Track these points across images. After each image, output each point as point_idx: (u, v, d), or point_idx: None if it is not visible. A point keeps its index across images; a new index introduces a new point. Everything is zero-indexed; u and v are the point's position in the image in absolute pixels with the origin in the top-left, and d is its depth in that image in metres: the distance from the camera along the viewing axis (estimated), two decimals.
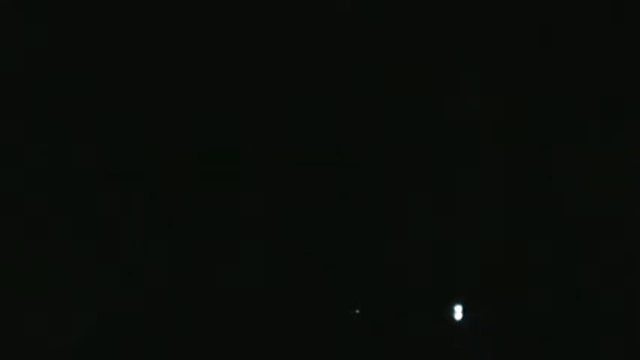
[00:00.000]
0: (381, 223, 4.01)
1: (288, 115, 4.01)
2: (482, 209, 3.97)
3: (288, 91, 4.01)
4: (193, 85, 3.97)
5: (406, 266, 3.97)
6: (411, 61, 3.99)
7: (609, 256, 3.83)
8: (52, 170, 3.86)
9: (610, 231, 3.85)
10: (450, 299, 3.94)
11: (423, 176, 4.00)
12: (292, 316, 3.95)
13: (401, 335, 3.91)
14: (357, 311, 3.96)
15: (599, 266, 3.83)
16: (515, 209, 3.96)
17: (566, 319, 3.82)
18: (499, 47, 3.96)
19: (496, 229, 3.96)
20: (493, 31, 3.96)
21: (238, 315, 3.94)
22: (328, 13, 3.95)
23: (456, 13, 3.95)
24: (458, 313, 3.92)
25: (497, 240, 3.94)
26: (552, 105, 3.94)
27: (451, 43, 3.98)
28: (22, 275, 3.79)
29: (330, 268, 4.00)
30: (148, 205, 3.95)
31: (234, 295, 3.96)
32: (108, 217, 3.90)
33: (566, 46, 3.93)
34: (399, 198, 4.01)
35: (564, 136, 3.94)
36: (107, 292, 3.89)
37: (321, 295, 3.98)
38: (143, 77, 3.94)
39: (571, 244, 3.88)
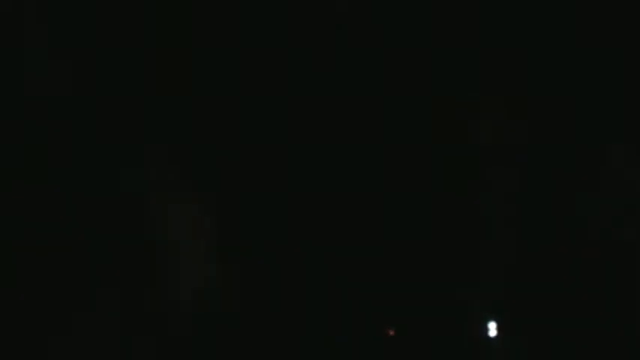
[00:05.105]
0: (381, 223, 4.01)
1: (287, 115, 4.03)
2: (481, 210, 3.97)
3: (287, 92, 4.02)
4: (193, 85, 3.99)
5: (405, 267, 3.98)
6: (412, 62, 4.01)
7: (613, 257, 3.83)
8: (53, 170, 3.88)
9: (614, 232, 3.85)
10: (469, 310, 3.93)
11: (422, 176, 4.01)
12: (297, 321, 3.96)
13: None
14: (392, 332, 3.94)
15: (605, 268, 3.83)
16: (516, 211, 3.96)
17: (577, 320, 3.82)
18: (499, 47, 3.98)
19: (496, 231, 3.96)
20: (493, 31, 3.97)
21: (239, 316, 3.94)
22: (328, 13, 3.97)
23: (456, 13, 3.97)
24: (491, 330, 3.91)
25: (500, 243, 3.94)
26: (552, 105, 3.95)
27: (451, 43, 3.99)
28: (24, 276, 3.81)
29: (331, 273, 4.01)
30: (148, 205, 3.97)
31: (236, 296, 3.96)
32: (107, 216, 3.92)
33: (567, 46, 3.94)
34: (399, 198, 4.01)
35: (565, 136, 3.95)
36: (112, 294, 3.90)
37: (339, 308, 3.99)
38: (143, 77, 3.96)
39: (577, 247, 3.88)
